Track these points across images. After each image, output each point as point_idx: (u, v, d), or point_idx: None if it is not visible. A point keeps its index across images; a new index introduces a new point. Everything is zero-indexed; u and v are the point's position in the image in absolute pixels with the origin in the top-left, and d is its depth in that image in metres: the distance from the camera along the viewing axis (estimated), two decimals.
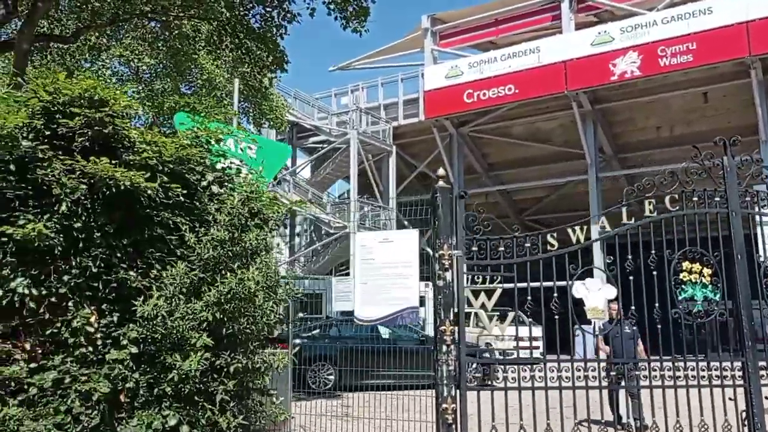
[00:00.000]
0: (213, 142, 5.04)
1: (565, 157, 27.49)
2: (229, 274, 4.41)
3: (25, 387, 4.07)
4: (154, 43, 15.38)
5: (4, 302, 4.11)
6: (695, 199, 5.76)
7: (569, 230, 5.49)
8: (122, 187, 4.21)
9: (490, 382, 5.81)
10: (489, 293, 5.23)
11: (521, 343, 19.28)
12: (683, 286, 5.59)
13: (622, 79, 22.73)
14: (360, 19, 10.57)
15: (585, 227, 5.48)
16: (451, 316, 5.05)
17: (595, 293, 5.43)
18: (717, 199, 5.80)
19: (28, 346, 4.21)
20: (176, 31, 13.28)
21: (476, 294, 5.22)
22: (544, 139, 27.53)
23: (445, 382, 4.98)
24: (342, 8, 10.54)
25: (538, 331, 20.51)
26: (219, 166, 5.20)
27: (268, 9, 13.36)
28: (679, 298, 5.56)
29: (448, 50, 27.58)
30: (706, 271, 5.61)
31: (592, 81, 23.27)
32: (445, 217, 5.18)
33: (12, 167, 4.10)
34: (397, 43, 29.15)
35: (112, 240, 4.31)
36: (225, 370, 4.37)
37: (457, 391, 5.01)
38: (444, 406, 4.95)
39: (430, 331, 15.74)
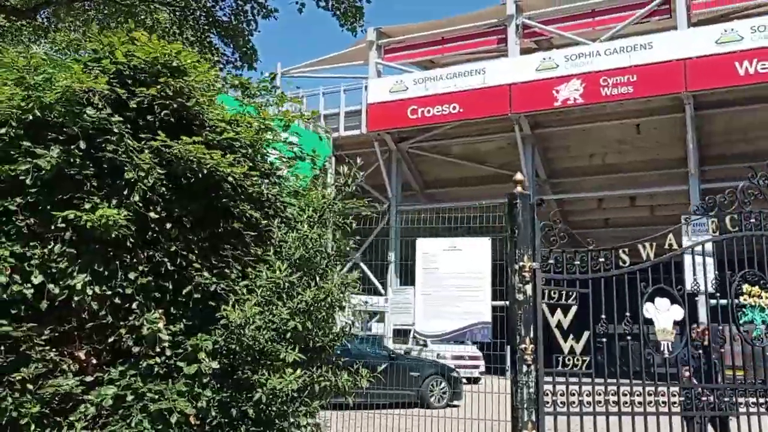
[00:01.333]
0: (282, 132, 4.46)
1: (501, 180, 27.78)
2: (317, 277, 3.85)
3: (84, 405, 3.36)
4: (105, 29, 14.29)
5: (58, 302, 3.40)
6: (752, 220, 5.66)
7: (640, 246, 5.24)
8: (204, 172, 3.59)
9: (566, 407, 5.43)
10: (565, 309, 4.88)
11: (463, 363, 18.95)
12: (744, 309, 5.45)
13: (565, 105, 23.25)
14: (355, 18, 10.14)
15: (655, 244, 5.25)
16: (531, 333, 4.66)
17: (665, 313, 5.20)
18: None
19: (82, 356, 3.49)
20: (140, 17, 12.34)
21: (552, 310, 4.86)
22: (481, 161, 27.78)
23: (525, 405, 4.57)
24: (335, 7, 10.08)
25: (476, 350, 20.53)
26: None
27: (240, 2, 12.68)
28: (740, 321, 5.41)
29: (392, 65, 27.43)
30: (765, 294, 5.50)
31: (536, 105, 23.68)
32: (525, 226, 4.80)
33: (81, 143, 3.38)
34: (340, 53, 28.72)
35: (188, 234, 3.66)
36: (309, 388, 3.79)
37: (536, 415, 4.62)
38: None
39: (389, 345, 15.27)
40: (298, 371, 3.51)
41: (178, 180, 3.61)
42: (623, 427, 4.82)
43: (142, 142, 3.52)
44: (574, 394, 4.83)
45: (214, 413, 3.60)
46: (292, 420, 3.74)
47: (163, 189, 3.56)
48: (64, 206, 3.37)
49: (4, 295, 3.23)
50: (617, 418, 4.84)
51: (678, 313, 5.25)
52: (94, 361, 3.53)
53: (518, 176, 4.97)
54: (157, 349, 3.52)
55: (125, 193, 3.47)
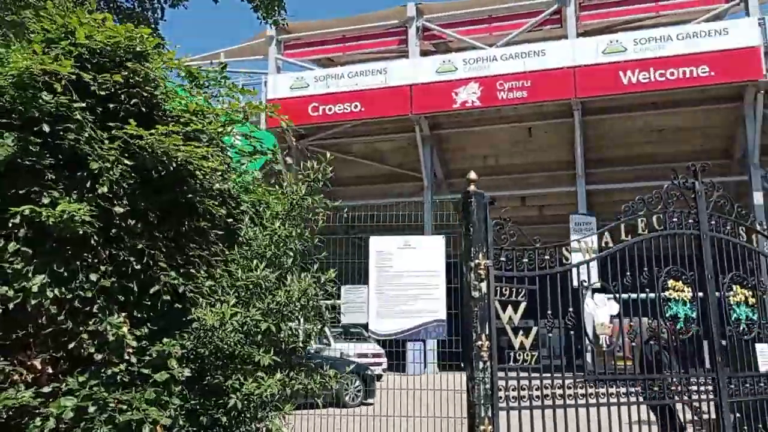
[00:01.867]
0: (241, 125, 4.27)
1: (400, 179, 28.16)
2: (288, 276, 3.71)
3: (40, 419, 3.05)
4: None
5: (11, 305, 3.07)
6: (675, 220, 6.01)
7: (582, 243, 5.45)
8: (174, 166, 3.37)
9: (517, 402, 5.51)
10: (515, 306, 4.98)
11: (366, 360, 19.00)
12: (669, 303, 5.78)
13: (463, 107, 23.83)
14: (276, 11, 9.87)
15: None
16: (487, 330, 4.72)
17: (602, 309, 5.42)
18: (690, 221, 6.09)
19: (38, 364, 3.18)
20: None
21: (504, 306, 4.94)
22: (381, 160, 27.98)
23: (482, 402, 4.62)
24: None
25: (378, 348, 20.69)
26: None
27: None
28: (666, 315, 5.74)
29: (291, 61, 27.09)
30: (687, 289, 5.87)
31: (436, 106, 24.13)
32: (479, 224, 4.86)
33: (45, 126, 3.07)
34: (238, 47, 28.03)
35: (154, 231, 3.42)
36: (281, 391, 3.65)
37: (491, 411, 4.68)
38: (482, 428, 4.58)
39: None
40: (278, 375, 3.37)
41: (144, 173, 3.36)
42: (580, 419, 4.98)
43: (108, 132, 3.25)
44: (524, 389, 4.94)
45: (182, 422, 3.39)
46: (261, 425, 3.59)
47: (128, 182, 3.31)
48: (19, 200, 3.06)
49: None
50: (585, 410, 4.99)
51: (614, 308, 5.50)
52: (50, 370, 3.23)
53: (472, 175, 5.02)
54: (119, 356, 3.26)
55: (88, 185, 3.19)
